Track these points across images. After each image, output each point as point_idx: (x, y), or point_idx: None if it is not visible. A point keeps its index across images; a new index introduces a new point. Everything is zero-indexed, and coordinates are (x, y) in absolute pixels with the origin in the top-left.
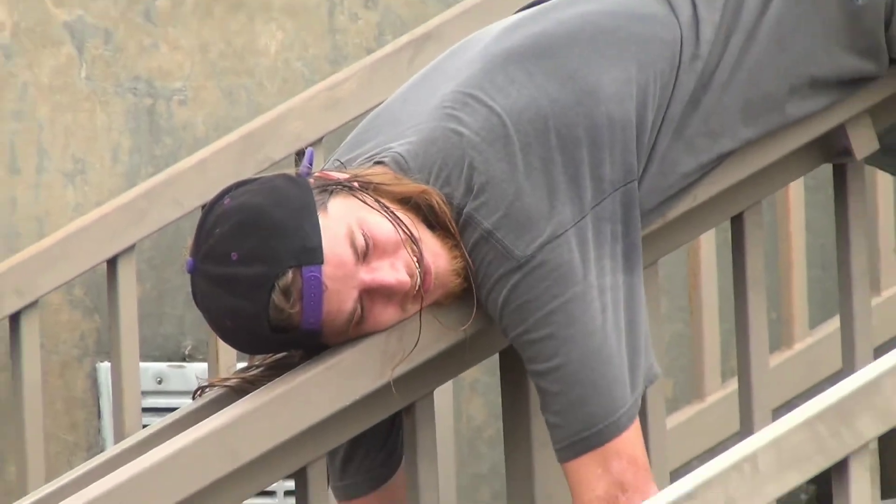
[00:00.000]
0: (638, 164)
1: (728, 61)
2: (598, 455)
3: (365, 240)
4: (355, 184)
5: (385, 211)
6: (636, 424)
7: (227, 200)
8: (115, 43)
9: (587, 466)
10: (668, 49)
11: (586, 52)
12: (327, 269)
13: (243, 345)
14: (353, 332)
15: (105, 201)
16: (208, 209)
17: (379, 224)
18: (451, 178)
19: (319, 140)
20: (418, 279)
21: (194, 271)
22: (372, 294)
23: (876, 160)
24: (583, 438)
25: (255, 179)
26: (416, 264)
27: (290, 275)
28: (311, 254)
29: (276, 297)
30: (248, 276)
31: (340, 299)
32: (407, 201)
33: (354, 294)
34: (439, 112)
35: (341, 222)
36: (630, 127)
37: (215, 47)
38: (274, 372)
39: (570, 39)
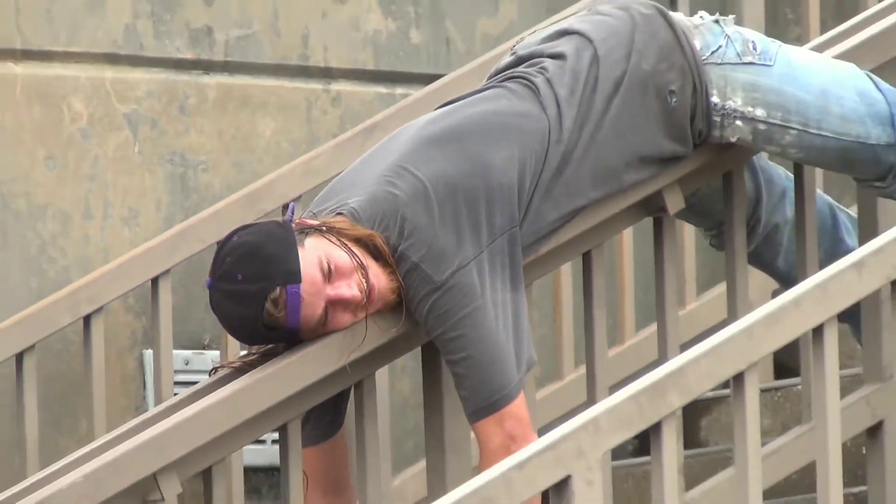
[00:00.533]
0: (519, 214)
1: (582, 144)
2: (496, 417)
3: (329, 266)
4: (323, 228)
5: (344, 247)
6: (522, 395)
7: (235, 238)
8: (159, 128)
9: (489, 426)
10: (540, 135)
11: (483, 138)
12: (304, 287)
13: (244, 338)
14: (321, 330)
15: (151, 238)
16: (222, 244)
17: (340, 256)
18: (389, 226)
19: (299, 197)
20: (366, 294)
21: (211, 287)
22: (334, 304)
23: (683, 215)
24: (485, 406)
25: (255, 224)
26: (365, 284)
27: (278, 290)
28: (293, 276)
29: (269, 305)
30: (249, 291)
31: (313, 308)
32: (359, 241)
33: (322, 304)
34: (381, 179)
35: (314, 254)
36: (513, 189)
37: (228, 132)
38: (265, 357)
39: (473, 129)
